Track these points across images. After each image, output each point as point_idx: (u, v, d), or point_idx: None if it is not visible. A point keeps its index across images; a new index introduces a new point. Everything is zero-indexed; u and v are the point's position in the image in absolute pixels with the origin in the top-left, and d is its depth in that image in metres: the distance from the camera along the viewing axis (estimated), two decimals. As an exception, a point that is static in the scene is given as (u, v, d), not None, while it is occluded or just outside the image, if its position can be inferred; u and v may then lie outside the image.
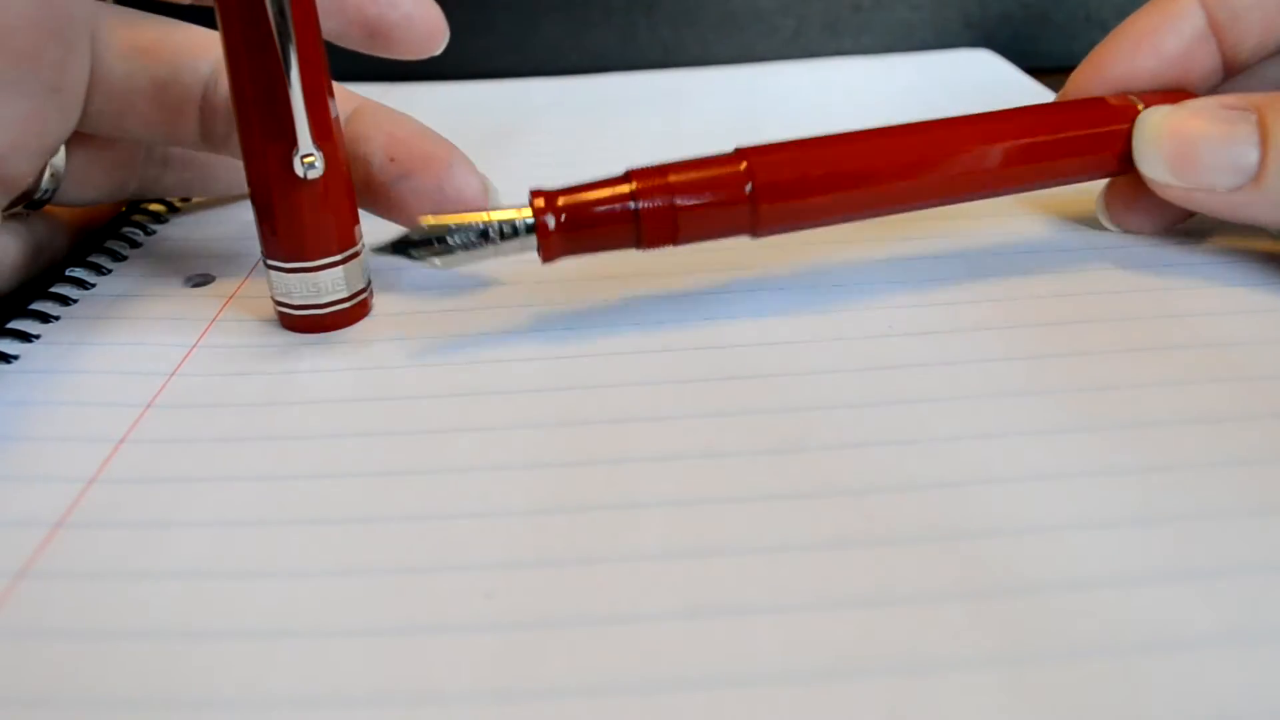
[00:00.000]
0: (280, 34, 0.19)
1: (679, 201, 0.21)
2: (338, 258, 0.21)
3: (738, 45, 0.45)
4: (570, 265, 0.25)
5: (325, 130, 0.20)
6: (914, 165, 0.22)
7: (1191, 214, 0.24)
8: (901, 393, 0.19)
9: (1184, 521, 0.16)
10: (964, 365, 0.20)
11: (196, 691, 0.13)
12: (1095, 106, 0.23)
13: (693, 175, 0.21)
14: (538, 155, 0.34)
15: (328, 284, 0.22)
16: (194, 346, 0.22)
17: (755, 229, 0.22)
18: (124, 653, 0.14)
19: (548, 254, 0.21)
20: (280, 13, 0.19)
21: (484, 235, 0.20)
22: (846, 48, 0.45)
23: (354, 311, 0.22)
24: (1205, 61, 0.24)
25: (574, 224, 0.21)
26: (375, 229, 0.22)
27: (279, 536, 0.16)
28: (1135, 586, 0.14)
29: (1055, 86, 0.40)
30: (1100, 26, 0.45)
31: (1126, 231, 0.25)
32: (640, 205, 0.21)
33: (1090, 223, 0.26)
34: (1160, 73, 0.24)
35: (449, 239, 0.20)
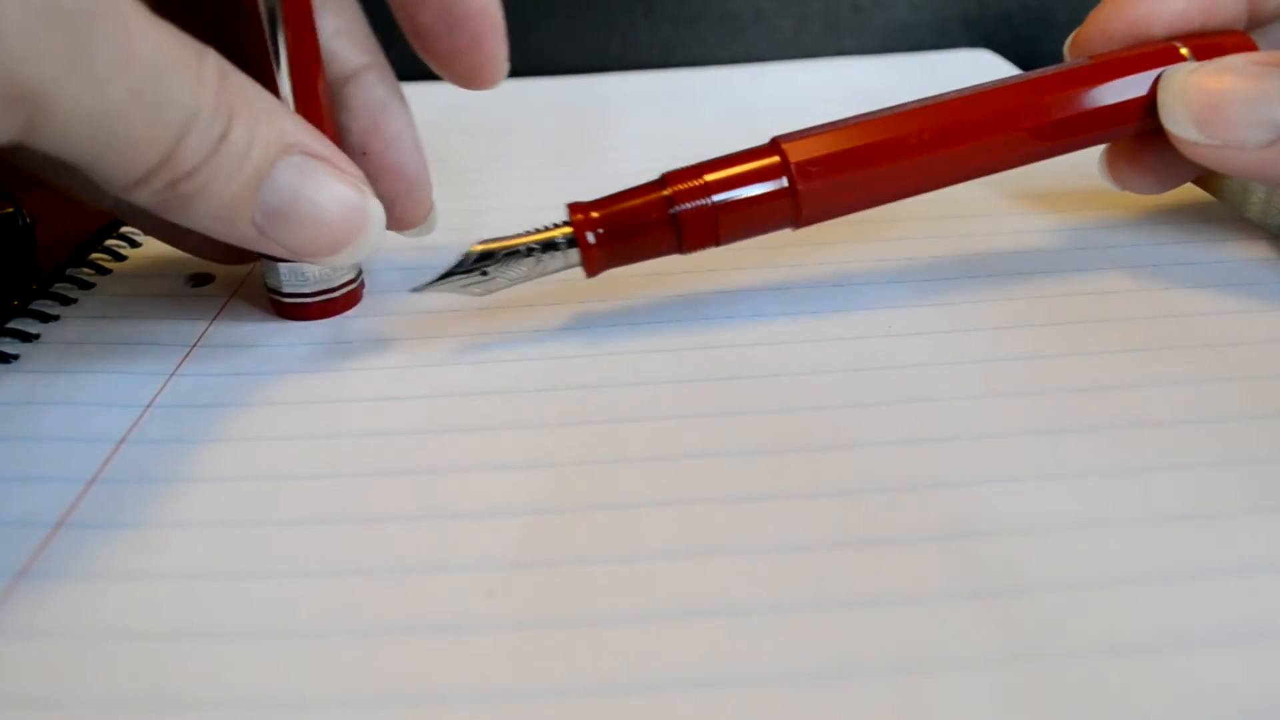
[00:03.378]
0: (270, 25, 0.19)
1: (718, 200, 0.20)
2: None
3: (738, 45, 0.45)
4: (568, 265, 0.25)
5: (314, 121, 0.20)
6: (955, 137, 0.22)
7: (1198, 173, 0.24)
8: (901, 393, 0.19)
9: (1184, 521, 0.16)
10: (964, 365, 0.20)
11: (196, 691, 0.13)
12: (1140, 60, 0.22)
13: (729, 172, 0.21)
14: (538, 155, 0.34)
15: (314, 273, 0.22)
16: (194, 346, 0.22)
17: (797, 220, 0.21)
18: (124, 653, 0.14)
19: (591, 269, 0.21)
20: (270, 9, 0.19)
21: (527, 258, 0.20)
22: (846, 48, 0.45)
23: (342, 301, 0.23)
24: (1230, 8, 0.23)
25: (614, 235, 0.20)
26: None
27: (279, 536, 0.16)
28: (1135, 586, 0.14)
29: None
30: (1100, 26, 0.45)
31: (1128, 190, 0.25)
32: (679, 209, 0.20)
33: (1090, 223, 0.26)
34: (1183, 16, 0.23)
35: (491, 270, 0.20)
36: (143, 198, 0.17)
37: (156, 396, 0.20)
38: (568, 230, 0.20)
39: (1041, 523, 0.16)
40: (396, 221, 0.24)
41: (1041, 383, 0.19)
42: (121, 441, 0.18)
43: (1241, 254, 0.24)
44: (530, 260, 0.20)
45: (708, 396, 0.19)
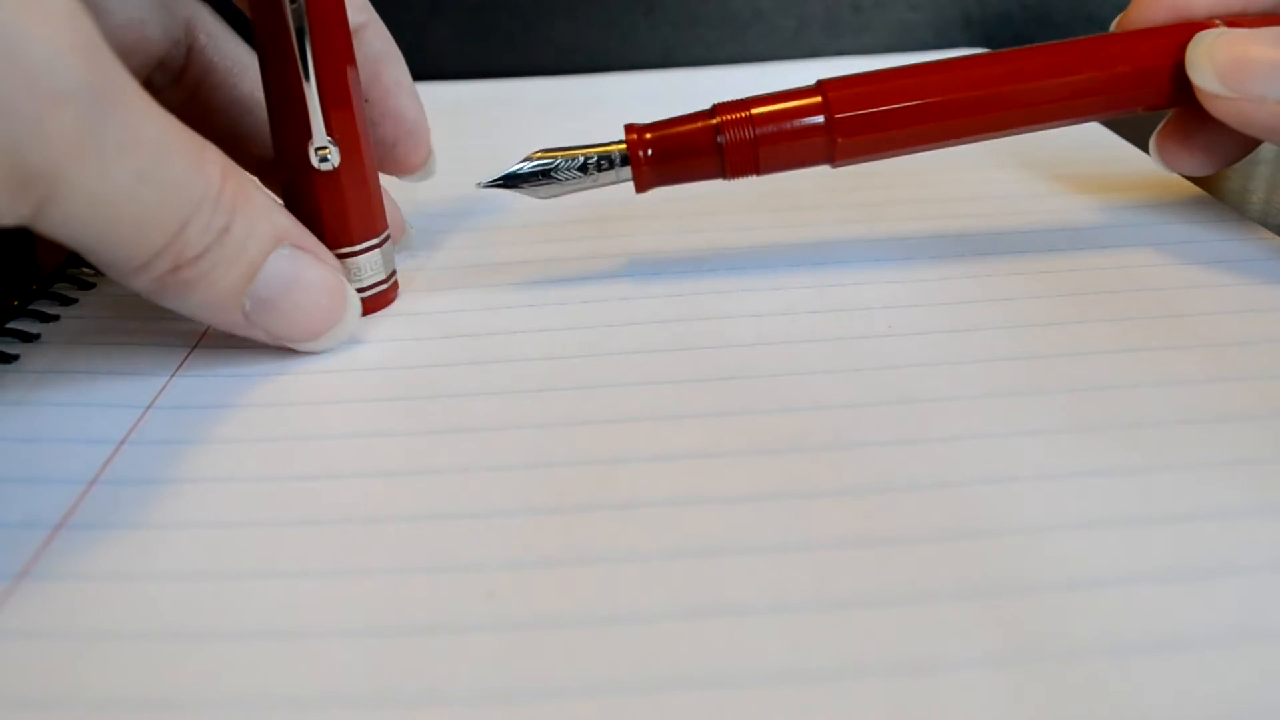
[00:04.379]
0: (297, 30, 0.19)
1: (760, 132, 0.22)
2: (357, 248, 0.22)
3: (738, 45, 0.45)
4: (569, 265, 0.25)
5: (346, 125, 0.21)
6: (986, 93, 0.23)
7: (1244, 153, 0.25)
8: (901, 393, 0.19)
9: (1184, 521, 0.15)
10: (964, 365, 0.20)
11: (196, 691, 0.13)
12: (1178, 30, 0.23)
13: (774, 108, 0.22)
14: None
15: (344, 272, 0.22)
16: (195, 347, 0.22)
17: (833, 158, 0.23)
18: (124, 653, 0.14)
19: (641, 185, 0.23)
20: (297, 10, 0.19)
21: (583, 168, 0.22)
22: (846, 48, 0.45)
23: (374, 301, 0.23)
24: None
25: (663, 156, 0.22)
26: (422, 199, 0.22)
27: (279, 536, 0.16)
28: (1135, 586, 0.14)
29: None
30: (1100, 26, 0.45)
31: (1177, 172, 0.26)
32: (724, 138, 0.22)
33: (1090, 223, 0.26)
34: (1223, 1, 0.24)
35: (553, 173, 0.22)
36: (142, 283, 0.18)
37: (157, 397, 0.20)
38: (622, 147, 0.22)
39: (1041, 523, 0.16)
40: (397, 165, 0.25)
41: (1041, 383, 0.19)
42: (122, 442, 0.18)
43: (1242, 254, 0.24)
44: (585, 171, 0.22)
45: (708, 396, 0.19)
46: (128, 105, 0.16)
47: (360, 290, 0.22)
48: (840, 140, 0.22)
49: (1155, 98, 0.24)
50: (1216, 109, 0.22)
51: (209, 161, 0.17)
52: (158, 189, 0.16)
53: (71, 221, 0.16)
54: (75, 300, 0.24)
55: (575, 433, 0.18)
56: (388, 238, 0.23)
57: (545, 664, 0.13)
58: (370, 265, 0.22)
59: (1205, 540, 0.15)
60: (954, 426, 0.18)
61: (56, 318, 0.23)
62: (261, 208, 0.19)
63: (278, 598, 0.15)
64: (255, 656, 0.14)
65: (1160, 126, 0.26)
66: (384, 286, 0.23)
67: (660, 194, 0.29)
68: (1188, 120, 0.25)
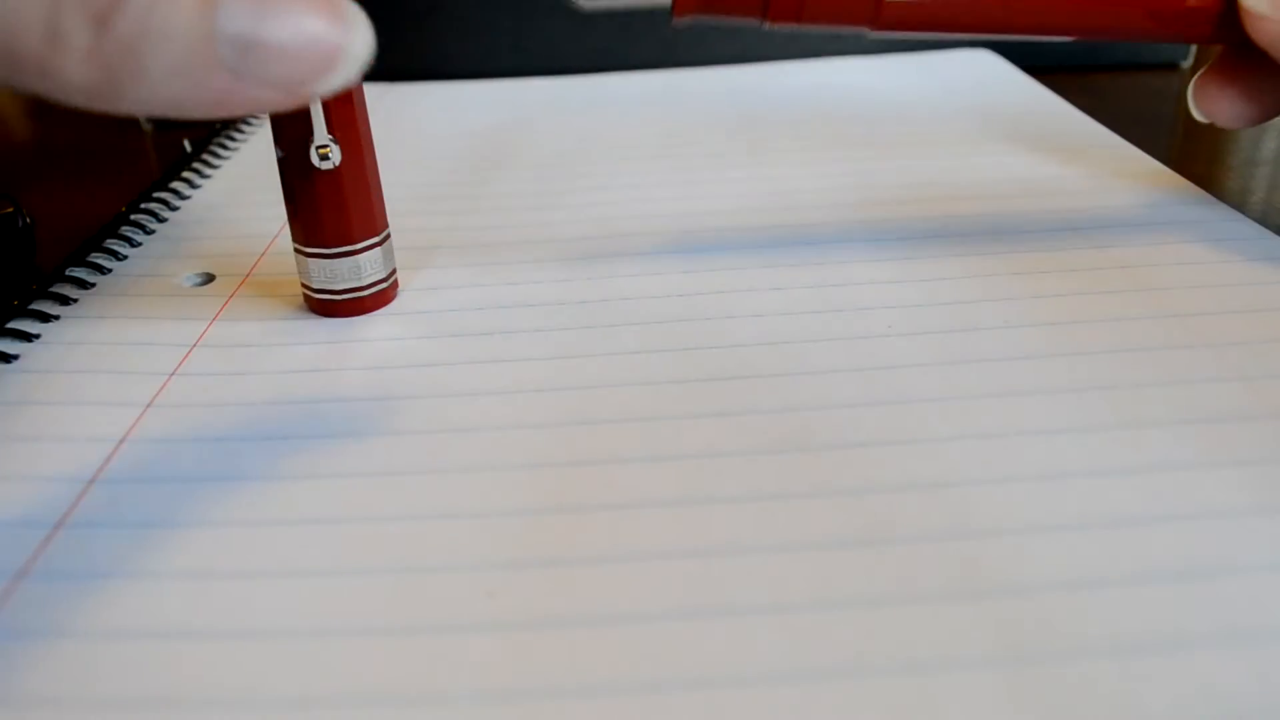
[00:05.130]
0: None
1: None
2: (358, 246, 0.22)
3: (738, 45, 0.45)
4: (569, 265, 0.25)
5: (348, 124, 0.21)
6: None
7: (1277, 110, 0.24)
8: (901, 393, 0.19)
9: (1184, 521, 0.16)
10: (964, 365, 0.20)
11: (197, 691, 0.13)
12: None
13: None
14: (538, 154, 0.34)
15: (344, 270, 0.22)
16: (194, 346, 0.22)
17: (876, 22, 0.22)
18: (124, 653, 0.14)
19: (680, 8, 0.22)
20: None
21: None
22: (847, 47, 0.45)
23: (375, 299, 0.23)
24: None
25: None
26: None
27: (279, 537, 0.16)
28: (1135, 586, 0.14)
29: (1055, 86, 0.40)
30: (1100, 26, 0.45)
31: (1214, 121, 0.25)
32: None
33: (1089, 223, 0.26)
34: None
35: None
36: (74, 71, 0.13)
37: (156, 396, 0.20)
38: None
39: (1041, 523, 0.16)
40: None
41: (1041, 382, 0.19)
42: (121, 441, 0.18)
43: (1242, 254, 0.24)
44: None
45: (708, 396, 0.19)
46: None
47: (360, 289, 0.22)
48: (885, 7, 0.22)
49: (1202, 25, 0.23)
50: (1262, 33, 0.22)
51: None
52: None
53: None
54: (75, 300, 0.24)
55: (575, 433, 0.18)
56: (388, 236, 0.23)
57: (545, 664, 0.14)
58: (371, 264, 0.22)
59: (1205, 540, 0.15)
60: (954, 426, 0.18)
61: (56, 318, 0.23)
62: None
63: (278, 597, 0.15)
64: (255, 656, 0.14)
65: (1201, 71, 0.25)
66: (384, 285, 0.23)
67: (661, 193, 0.29)
68: (1231, 64, 0.24)
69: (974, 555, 0.15)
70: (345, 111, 0.21)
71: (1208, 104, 0.25)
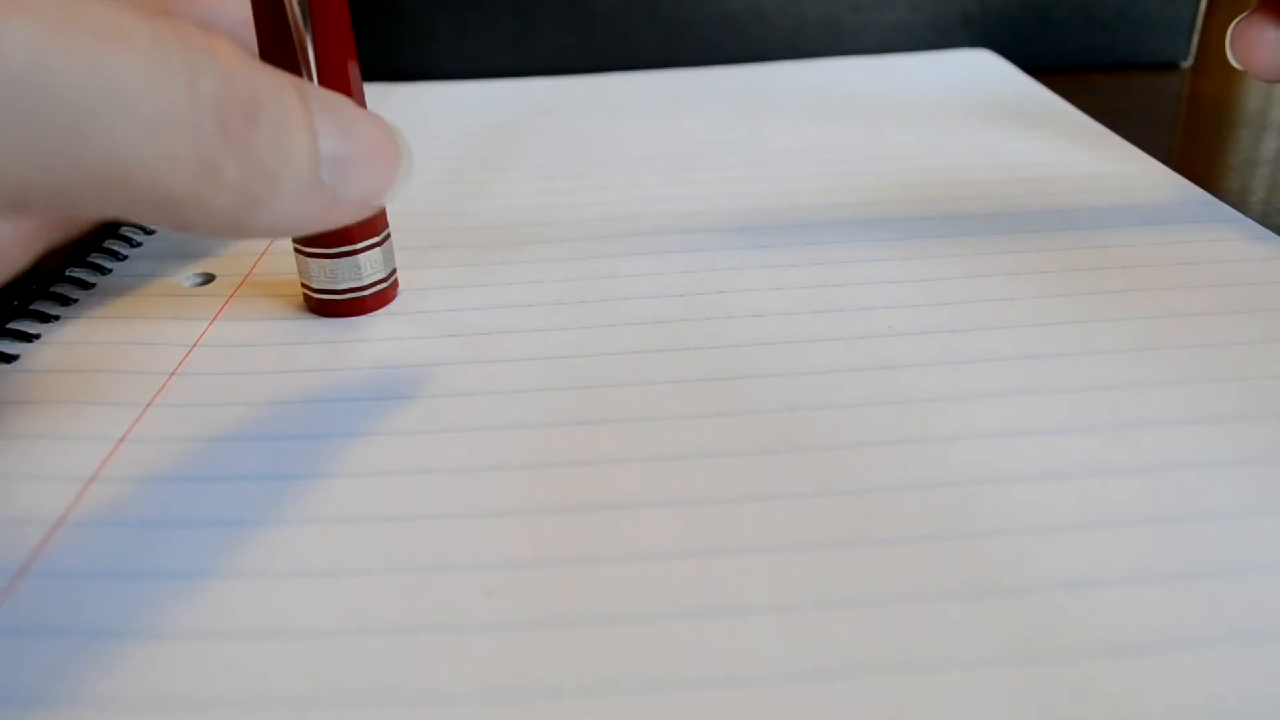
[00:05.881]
0: (295, 30, 0.20)
1: None
2: (358, 246, 0.22)
3: (738, 45, 0.45)
4: (569, 265, 0.25)
5: None
6: None
7: None
8: (901, 393, 0.19)
9: (1184, 521, 0.16)
10: (964, 365, 0.20)
11: (196, 691, 0.13)
12: None
13: None
14: (538, 154, 0.34)
15: (345, 270, 0.22)
16: (194, 346, 0.22)
17: None
18: (123, 651, 0.14)
19: None
20: (296, 11, 0.19)
21: None
22: (846, 48, 0.45)
23: (375, 299, 0.23)
24: None
25: None
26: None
27: (279, 536, 0.16)
28: (1135, 586, 0.14)
29: (1055, 86, 0.40)
30: (1100, 26, 0.45)
31: (1248, 69, 0.24)
32: None
33: (1089, 223, 0.26)
34: None
35: None
36: (223, 201, 0.14)
37: (156, 396, 0.20)
38: None
39: (1041, 522, 0.16)
40: None
41: (1041, 383, 0.19)
42: (121, 440, 0.18)
43: (1242, 254, 0.24)
44: None
45: (708, 396, 0.19)
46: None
47: (360, 289, 0.22)
48: None
49: None
50: None
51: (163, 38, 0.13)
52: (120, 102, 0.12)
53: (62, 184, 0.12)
54: (75, 300, 0.24)
55: (575, 433, 0.18)
56: (388, 236, 0.23)
57: (545, 664, 0.13)
58: (371, 264, 0.22)
59: (1205, 540, 0.15)
60: (954, 426, 0.18)
61: (56, 318, 0.23)
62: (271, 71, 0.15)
63: (278, 597, 0.15)
64: (255, 656, 0.14)
65: (1241, 17, 0.24)
66: (385, 285, 0.23)
67: (661, 193, 0.29)
68: (1273, 8, 0.23)
69: (974, 555, 0.15)
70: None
71: (1246, 50, 0.24)
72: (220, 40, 0.14)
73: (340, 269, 0.22)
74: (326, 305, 0.23)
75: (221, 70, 0.13)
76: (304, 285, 0.23)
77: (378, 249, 0.22)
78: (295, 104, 0.15)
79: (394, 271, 0.23)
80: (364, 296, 0.23)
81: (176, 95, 0.13)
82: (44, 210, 0.13)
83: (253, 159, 0.14)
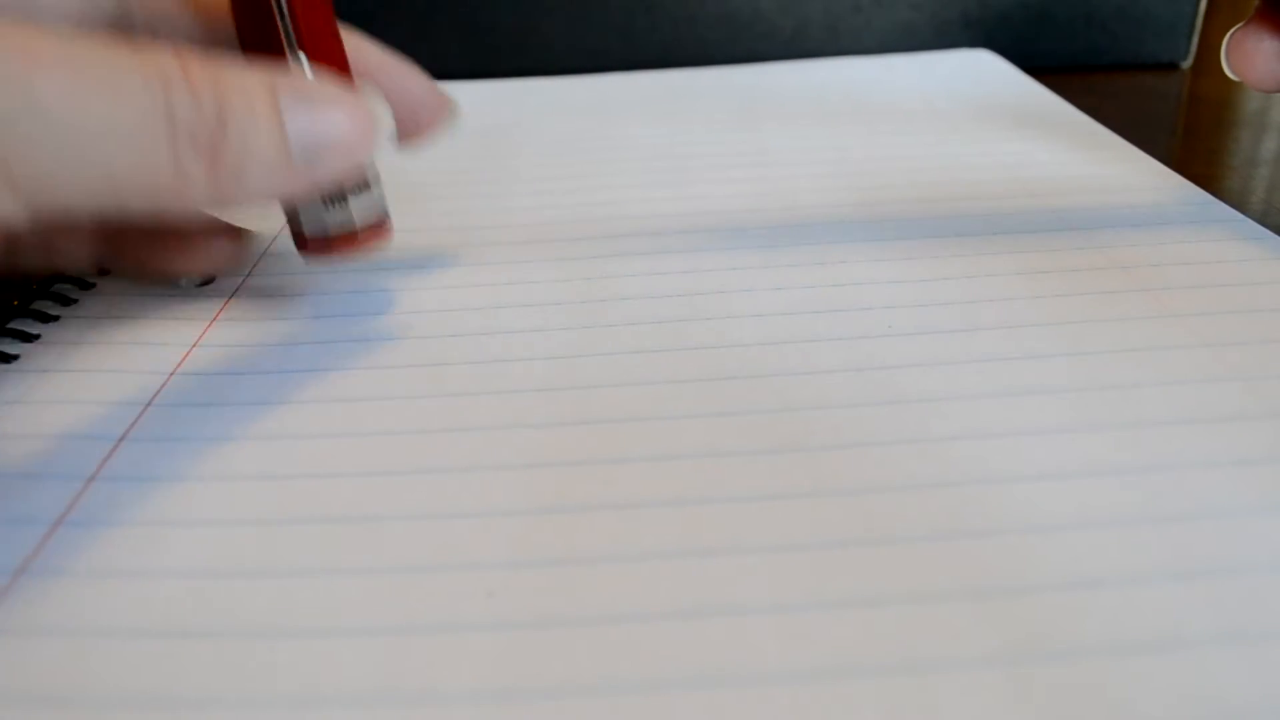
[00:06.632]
0: (282, 21, 0.19)
1: None
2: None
3: (738, 45, 0.45)
4: (569, 265, 0.25)
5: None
6: None
7: None
8: (901, 393, 0.19)
9: (1184, 521, 0.15)
10: (964, 365, 0.20)
11: (196, 691, 0.13)
12: None
13: None
14: (538, 155, 0.34)
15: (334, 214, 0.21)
16: (194, 346, 0.22)
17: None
18: (122, 650, 0.14)
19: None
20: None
21: None
22: (846, 48, 0.45)
23: (364, 236, 0.21)
24: None
25: None
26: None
27: (279, 536, 0.16)
28: (1135, 586, 0.14)
29: (1055, 86, 0.40)
30: (1100, 26, 0.45)
31: (1244, 80, 0.24)
32: None
33: (1089, 223, 0.26)
34: None
35: None
36: (199, 194, 0.16)
37: (156, 396, 0.20)
38: None
39: (1041, 523, 0.16)
40: (424, 127, 0.25)
41: (1041, 382, 0.19)
42: (121, 439, 0.18)
43: (1242, 254, 0.24)
44: None
45: (708, 396, 0.19)
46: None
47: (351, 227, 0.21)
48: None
49: None
50: None
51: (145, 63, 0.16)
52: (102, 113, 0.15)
53: (68, 187, 0.15)
54: (75, 300, 0.24)
55: (575, 433, 0.18)
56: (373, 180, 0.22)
57: (545, 664, 0.13)
58: (359, 207, 0.21)
59: (1205, 540, 0.15)
60: (954, 426, 0.18)
61: (56, 318, 0.23)
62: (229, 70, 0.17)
63: (277, 597, 0.15)
64: (255, 656, 0.14)
65: (1236, 28, 0.24)
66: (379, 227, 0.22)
67: (661, 193, 0.29)
68: (1268, 19, 0.23)
69: (974, 555, 0.15)
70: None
71: (1242, 60, 0.24)
72: (191, 60, 0.16)
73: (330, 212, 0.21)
74: (319, 245, 0.21)
75: (191, 95, 0.16)
76: (295, 232, 0.22)
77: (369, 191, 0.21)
78: (262, 105, 0.17)
79: (388, 215, 0.22)
80: (356, 232, 0.21)
81: (158, 129, 0.16)
82: (54, 219, 0.15)
83: (223, 163, 0.16)
